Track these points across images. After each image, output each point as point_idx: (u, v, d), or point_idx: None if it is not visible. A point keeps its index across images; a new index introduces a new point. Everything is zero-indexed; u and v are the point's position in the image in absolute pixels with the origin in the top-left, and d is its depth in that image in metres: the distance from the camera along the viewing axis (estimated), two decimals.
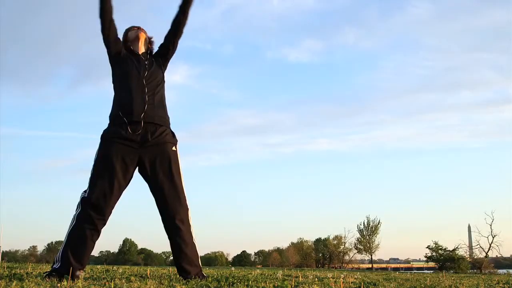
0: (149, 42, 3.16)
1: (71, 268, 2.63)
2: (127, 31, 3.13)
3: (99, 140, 2.86)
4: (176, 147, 2.96)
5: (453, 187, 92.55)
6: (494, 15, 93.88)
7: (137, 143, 2.81)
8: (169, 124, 3.00)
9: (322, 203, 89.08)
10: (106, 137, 2.84)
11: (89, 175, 2.79)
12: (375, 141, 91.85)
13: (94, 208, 2.70)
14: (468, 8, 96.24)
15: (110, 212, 2.77)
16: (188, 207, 2.92)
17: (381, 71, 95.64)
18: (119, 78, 2.96)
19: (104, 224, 2.75)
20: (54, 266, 2.69)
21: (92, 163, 2.82)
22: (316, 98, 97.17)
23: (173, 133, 3.00)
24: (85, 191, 2.77)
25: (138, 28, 3.13)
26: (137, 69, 2.96)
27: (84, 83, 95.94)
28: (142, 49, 3.10)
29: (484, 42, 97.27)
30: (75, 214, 2.74)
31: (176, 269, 3.02)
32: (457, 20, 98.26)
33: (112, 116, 2.90)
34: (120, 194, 2.80)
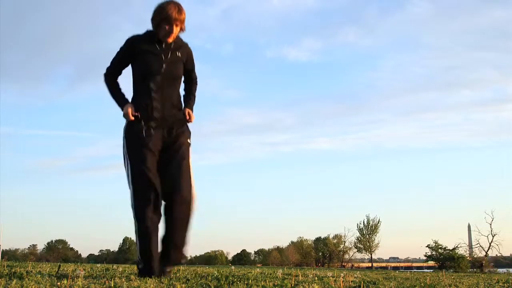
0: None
1: (152, 263, 2.74)
2: (163, 18, 2.78)
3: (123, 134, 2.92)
4: (190, 140, 2.98)
5: (453, 186, 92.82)
6: (494, 14, 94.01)
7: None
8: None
9: (322, 202, 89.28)
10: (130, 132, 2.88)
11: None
12: (374, 140, 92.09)
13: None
14: (468, 7, 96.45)
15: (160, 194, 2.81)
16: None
17: (381, 70, 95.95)
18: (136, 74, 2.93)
19: (161, 204, 2.82)
20: (139, 266, 2.82)
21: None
22: (316, 97, 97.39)
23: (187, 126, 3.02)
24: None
25: (176, 20, 2.79)
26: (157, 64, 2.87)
27: (83, 81, 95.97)
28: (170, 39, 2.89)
29: (484, 41, 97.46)
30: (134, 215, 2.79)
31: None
32: (457, 19, 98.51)
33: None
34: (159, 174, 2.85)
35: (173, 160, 2.85)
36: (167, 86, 2.87)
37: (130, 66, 2.93)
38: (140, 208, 2.75)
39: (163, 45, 2.87)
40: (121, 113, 2.85)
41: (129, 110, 2.81)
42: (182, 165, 2.86)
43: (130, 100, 2.91)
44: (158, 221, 2.80)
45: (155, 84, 2.83)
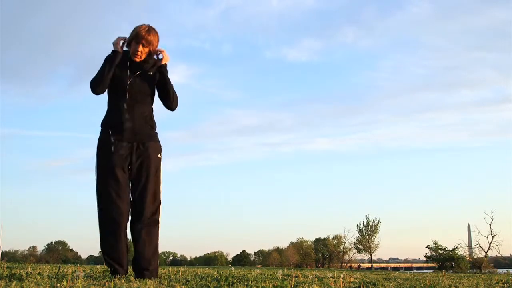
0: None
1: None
2: (133, 36, 2.96)
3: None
4: (160, 155, 3.04)
5: (452, 186, 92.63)
6: (494, 14, 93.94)
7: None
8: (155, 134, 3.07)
9: (322, 202, 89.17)
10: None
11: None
12: (374, 140, 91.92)
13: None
14: (467, 7, 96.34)
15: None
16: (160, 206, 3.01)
17: (380, 71, 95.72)
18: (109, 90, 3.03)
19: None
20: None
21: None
22: (316, 97, 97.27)
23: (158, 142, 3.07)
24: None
25: (145, 40, 2.94)
26: (123, 81, 2.98)
27: (83, 82, 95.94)
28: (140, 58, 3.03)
29: (483, 41, 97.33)
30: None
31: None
32: (457, 19, 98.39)
33: (103, 127, 3.02)
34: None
35: (141, 177, 2.93)
36: (138, 102, 2.97)
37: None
38: (103, 225, 2.90)
39: (134, 64, 2.98)
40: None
41: (117, 40, 2.97)
42: (148, 182, 2.93)
43: (104, 115, 3.02)
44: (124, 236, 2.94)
45: (125, 100, 2.94)
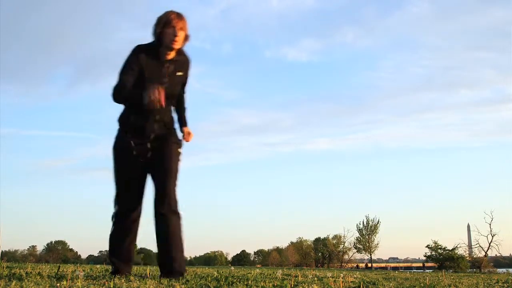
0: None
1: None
2: (165, 23, 2.70)
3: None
4: (181, 150, 2.95)
5: (452, 186, 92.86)
6: (493, 14, 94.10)
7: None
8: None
9: (321, 202, 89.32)
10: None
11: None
12: (374, 140, 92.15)
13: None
14: (467, 7, 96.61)
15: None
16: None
17: (380, 70, 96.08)
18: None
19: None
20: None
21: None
22: (315, 97, 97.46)
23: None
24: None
25: (179, 27, 2.71)
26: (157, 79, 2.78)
27: (83, 82, 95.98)
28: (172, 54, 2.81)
29: (483, 41, 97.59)
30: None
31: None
32: (456, 19, 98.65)
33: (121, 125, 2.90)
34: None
35: (160, 172, 2.83)
36: (166, 105, 2.78)
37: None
38: (118, 221, 2.94)
39: (166, 63, 2.79)
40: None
41: (155, 92, 2.64)
42: (169, 174, 2.82)
43: (122, 111, 2.88)
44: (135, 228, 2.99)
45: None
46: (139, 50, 2.76)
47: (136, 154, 2.83)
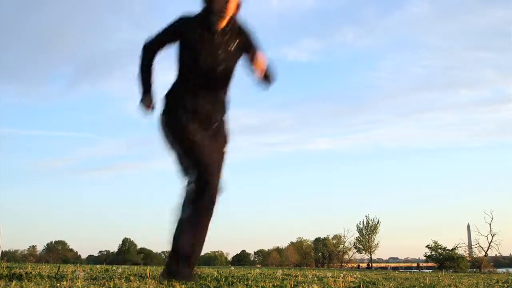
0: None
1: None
2: None
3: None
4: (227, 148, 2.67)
5: (452, 186, 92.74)
6: (493, 14, 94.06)
7: None
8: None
9: (322, 202, 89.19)
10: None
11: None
12: (374, 140, 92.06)
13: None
14: (467, 7, 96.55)
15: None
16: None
17: (380, 70, 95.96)
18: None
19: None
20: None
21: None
22: (315, 97, 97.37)
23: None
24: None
25: None
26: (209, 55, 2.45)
27: (83, 82, 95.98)
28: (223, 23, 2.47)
29: (483, 41, 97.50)
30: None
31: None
32: (456, 19, 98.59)
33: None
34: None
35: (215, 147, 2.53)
36: (217, 85, 2.51)
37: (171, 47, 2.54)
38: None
39: (219, 35, 2.46)
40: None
41: (148, 105, 2.50)
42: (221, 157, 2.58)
43: (169, 90, 2.57)
44: None
45: (204, 82, 2.47)
46: (186, 20, 2.48)
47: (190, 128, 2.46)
